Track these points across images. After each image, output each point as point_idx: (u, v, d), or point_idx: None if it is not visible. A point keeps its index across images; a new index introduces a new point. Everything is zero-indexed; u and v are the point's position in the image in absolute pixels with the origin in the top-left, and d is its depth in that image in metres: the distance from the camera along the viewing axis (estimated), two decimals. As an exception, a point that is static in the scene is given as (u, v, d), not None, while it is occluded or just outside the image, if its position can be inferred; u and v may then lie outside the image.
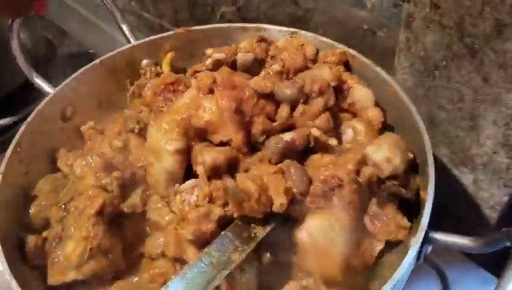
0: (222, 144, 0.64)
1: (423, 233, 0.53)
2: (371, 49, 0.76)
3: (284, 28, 0.80)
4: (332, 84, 0.66)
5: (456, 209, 0.82)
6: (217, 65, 0.72)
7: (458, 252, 0.78)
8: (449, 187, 0.81)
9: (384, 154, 0.60)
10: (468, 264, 0.77)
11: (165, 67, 0.81)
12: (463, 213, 0.81)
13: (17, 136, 0.67)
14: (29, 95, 1.03)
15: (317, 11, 0.93)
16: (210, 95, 0.65)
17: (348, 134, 0.66)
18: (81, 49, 1.30)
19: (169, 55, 0.82)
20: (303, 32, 0.78)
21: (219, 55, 0.71)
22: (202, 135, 0.65)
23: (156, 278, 0.58)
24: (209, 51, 0.73)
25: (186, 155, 0.64)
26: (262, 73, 0.70)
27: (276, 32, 0.80)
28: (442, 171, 0.79)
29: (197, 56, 0.84)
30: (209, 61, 0.71)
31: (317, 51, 0.76)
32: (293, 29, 0.79)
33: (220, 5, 1.11)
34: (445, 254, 0.77)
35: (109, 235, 0.58)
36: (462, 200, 0.81)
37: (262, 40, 0.75)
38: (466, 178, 0.79)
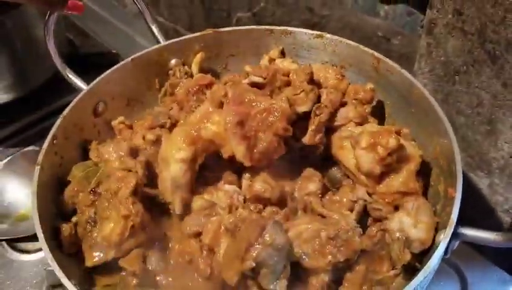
0: (230, 158, 0.66)
1: (452, 227, 0.55)
2: (386, 56, 0.78)
3: (310, 31, 0.82)
4: (356, 120, 0.70)
5: (470, 212, 0.84)
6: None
7: (477, 253, 0.80)
8: (464, 191, 0.82)
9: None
10: (487, 265, 0.79)
11: (194, 67, 0.83)
12: (477, 217, 0.83)
13: (53, 129, 0.70)
14: (57, 89, 1.06)
15: (332, 18, 0.95)
16: (220, 109, 0.68)
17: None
18: (102, 49, 1.33)
19: (199, 55, 0.84)
20: (329, 35, 0.80)
21: (257, 79, 0.71)
22: (211, 147, 0.67)
23: (182, 254, 0.61)
24: (247, 68, 0.74)
25: (193, 165, 0.66)
26: (311, 127, 0.70)
27: (302, 34, 0.83)
28: (458, 175, 0.80)
29: (223, 57, 0.86)
30: (245, 81, 0.73)
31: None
32: (318, 32, 0.81)
33: (236, 10, 1.13)
34: (464, 254, 0.78)
35: (145, 213, 0.61)
36: (476, 204, 0.82)
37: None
38: (482, 182, 0.81)
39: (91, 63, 1.18)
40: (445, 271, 0.77)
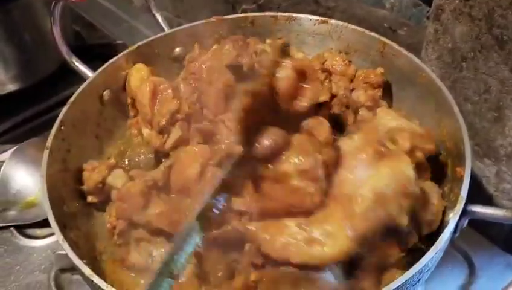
0: None
1: (462, 205, 0.55)
2: (392, 47, 0.78)
3: (314, 17, 0.82)
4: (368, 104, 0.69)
5: (477, 201, 0.83)
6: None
7: (485, 239, 0.80)
8: (471, 179, 0.82)
9: None
10: (495, 250, 0.79)
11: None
12: (483, 205, 0.82)
13: (60, 116, 0.70)
14: (64, 80, 1.07)
15: (337, 10, 0.94)
16: None
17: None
18: (110, 41, 1.33)
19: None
20: (333, 21, 0.80)
21: None
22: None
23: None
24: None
25: None
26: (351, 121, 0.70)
27: (307, 20, 0.82)
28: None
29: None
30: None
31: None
32: (323, 18, 0.81)
33: (241, 3, 1.13)
34: (472, 239, 0.78)
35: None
36: (483, 191, 0.82)
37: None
38: (489, 170, 0.80)
39: (98, 54, 1.18)
40: (453, 256, 0.77)
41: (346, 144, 0.61)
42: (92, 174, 0.68)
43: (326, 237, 0.53)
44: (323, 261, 0.53)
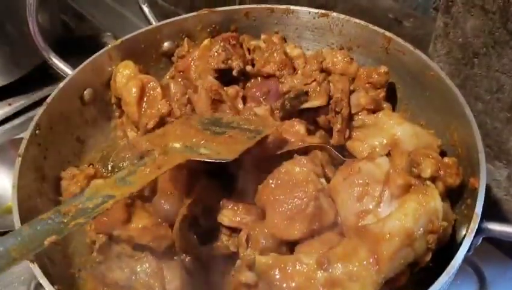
0: None
1: (477, 223, 0.51)
2: (398, 39, 0.73)
3: (314, 10, 0.76)
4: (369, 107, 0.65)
5: (487, 205, 0.80)
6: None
7: (496, 250, 0.75)
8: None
9: None
10: (506, 263, 0.74)
11: None
12: (493, 208, 0.78)
13: (36, 118, 0.65)
14: (44, 78, 1.02)
15: (339, 0, 0.90)
16: None
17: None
18: (98, 31, 1.27)
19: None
20: (335, 14, 0.75)
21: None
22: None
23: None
24: None
25: None
26: (337, 127, 0.65)
27: (305, 13, 0.77)
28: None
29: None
30: None
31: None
32: (323, 11, 0.75)
33: (240, -7, 1.08)
34: (482, 251, 0.73)
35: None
36: (493, 195, 0.78)
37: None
38: (500, 173, 0.76)
39: (86, 45, 1.13)
40: (462, 269, 0.72)
41: (369, 168, 0.56)
42: (70, 184, 0.63)
43: (350, 280, 0.48)
44: None
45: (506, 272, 0.73)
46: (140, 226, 0.57)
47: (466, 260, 0.72)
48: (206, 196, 0.59)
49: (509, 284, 0.72)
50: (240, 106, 0.70)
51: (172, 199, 0.59)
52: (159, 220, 0.59)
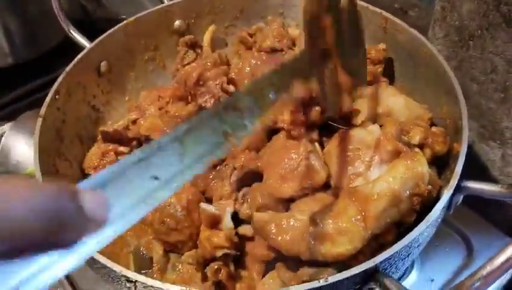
0: None
1: (456, 180, 0.53)
2: (402, 28, 0.75)
3: (312, -6, 0.79)
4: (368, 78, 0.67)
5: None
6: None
7: (484, 220, 0.78)
8: (476, 161, 0.80)
9: None
10: (494, 232, 0.77)
11: (206, 40, 0.81)
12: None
13: (55, 85, 0.70)
14: (66, 55, 1.06)
15: (346, -9, 0.92)
16: None
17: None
18: (115, 16, 1.32)
19: (211, 28, 0.83)
20: (336, -4, 0.77)
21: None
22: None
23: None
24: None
25: None
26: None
27: (303, -2, 0.80)
28: (470, 145, 0.78)
29: (229, 16, 0.85)
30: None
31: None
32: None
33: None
34: (469, 220, 0.77)
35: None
36: (488, 175, 0.80)
37: None
38: (494, 153, 0.78)
39: (103, 28, 1.17)
40: (451, 237, 0.76)
41: (361, 134, 0.59)
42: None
43: (339, 235, 0.52)
44: (333, 259, 0.52)
45: (492, 241, 0.75)
46: None
47: (454, 228, 0.76)
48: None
49: (494, 251, 0.73)
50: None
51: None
52: None
